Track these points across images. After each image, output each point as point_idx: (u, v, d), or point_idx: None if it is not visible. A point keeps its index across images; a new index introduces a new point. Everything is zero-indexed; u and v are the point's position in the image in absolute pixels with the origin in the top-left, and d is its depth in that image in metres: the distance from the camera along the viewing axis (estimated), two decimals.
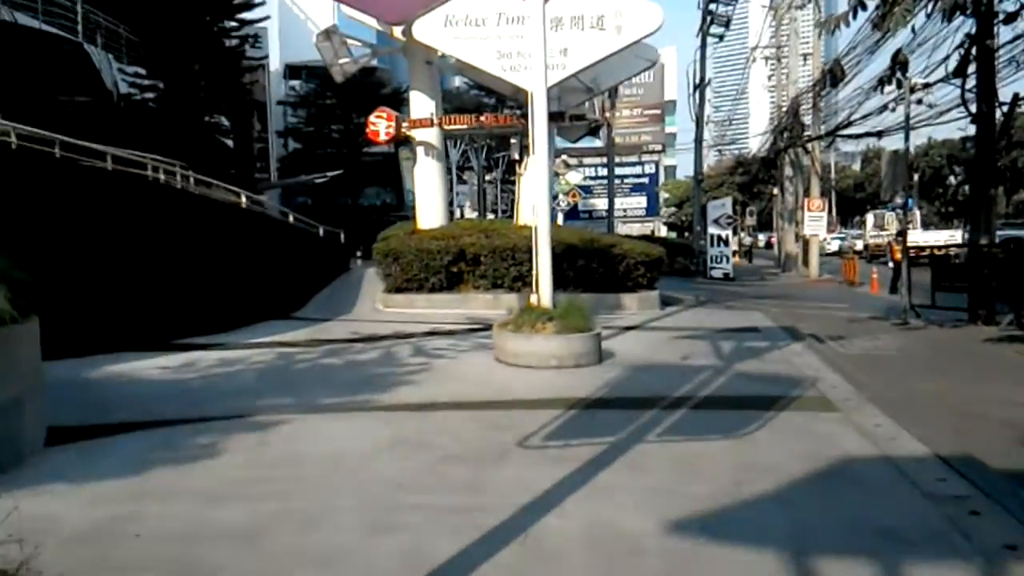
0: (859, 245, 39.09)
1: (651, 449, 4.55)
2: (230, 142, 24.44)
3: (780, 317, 12.60)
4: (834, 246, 41.17)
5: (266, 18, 24.89)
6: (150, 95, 19.26)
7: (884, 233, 36.95)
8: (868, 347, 9.71)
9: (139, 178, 9.56)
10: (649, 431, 4.96)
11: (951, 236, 32.26)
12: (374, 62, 40.91)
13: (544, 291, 7.99)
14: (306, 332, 10.03)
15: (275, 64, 43.11)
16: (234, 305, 10.46)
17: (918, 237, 22.69)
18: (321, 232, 16.54)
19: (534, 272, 8.10)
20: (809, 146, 26.11)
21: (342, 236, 19.92)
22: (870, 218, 41.35)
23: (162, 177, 9.79)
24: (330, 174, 31.73)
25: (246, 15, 24.03)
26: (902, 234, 13.71)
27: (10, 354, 3.98)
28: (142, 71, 19.23)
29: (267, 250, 12.48)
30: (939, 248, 16.54)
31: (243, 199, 11.83)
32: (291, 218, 15.96)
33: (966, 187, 52.34)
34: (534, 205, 8.32)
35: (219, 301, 10.10)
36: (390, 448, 4.47)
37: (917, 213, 37.77)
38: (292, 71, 43.16)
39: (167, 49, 19.35)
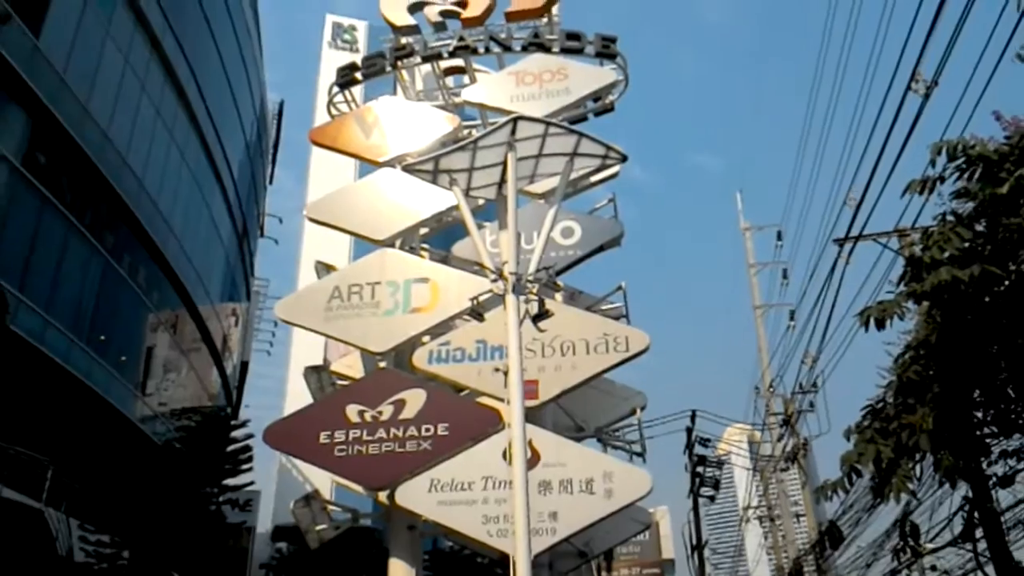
0: None
1: None
2: None
3: None
4: None
5: (251, 484, 25.33)
6: (108, 564, 18.10)
7: None
8: None
9: None
10: None
11: None
12: (367, 521, 40.52)
13: None
14: None
15: (265, 526, 42.58)
16: None
17: None
18: None
19: None
20: None
21: None
22: None
23: None
24: None
25: (231, 480, 24.45)
26: None
27: None
28: (106, 538, 18.43)
29: None
30: None
31: None
32: None
33: None
34: None
35: None
36: None
37: None
38: (281, 533, 42.29)
39: (143, 514, 19.01)
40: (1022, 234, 6.86)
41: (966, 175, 7.41)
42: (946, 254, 7.21)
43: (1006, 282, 7.17)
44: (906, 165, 8.40)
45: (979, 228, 7.51)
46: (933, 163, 7.59)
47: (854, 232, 11.22)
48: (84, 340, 18.63)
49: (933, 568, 13.71)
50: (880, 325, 7.90)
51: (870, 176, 8.97)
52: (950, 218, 7.61)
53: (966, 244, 7.35)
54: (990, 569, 11.14)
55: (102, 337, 19.87)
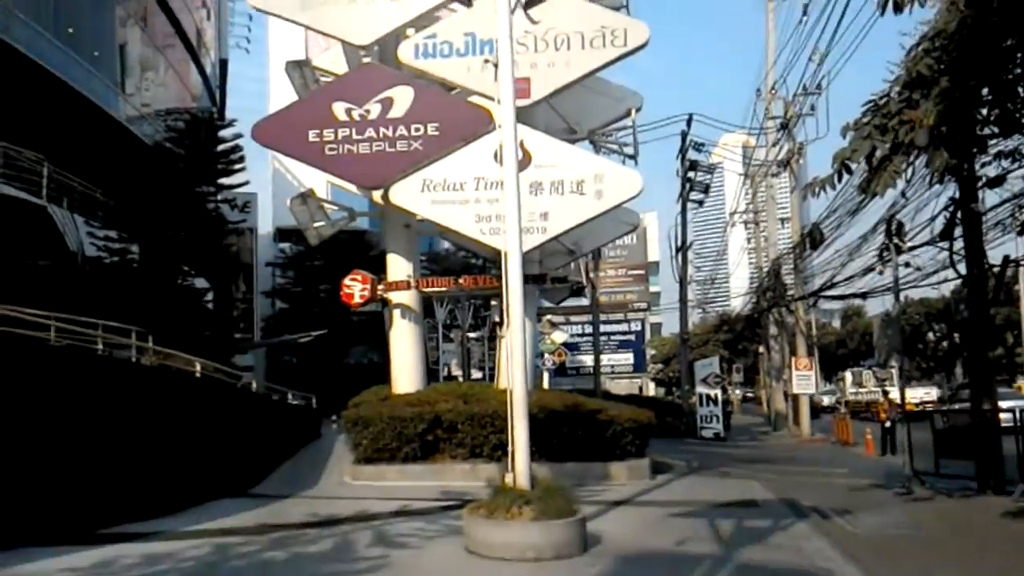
0: (833, 401, 39.41)
1: None
2: (210, 304, 24.18)
3: (778, 487, 11.69)
4: (827, 400, 41.00)
5: (246, 183, 25.70)
6: (119, 258, 19.07)
7: (863, 390, 37.14)
8: (877, 525, 8.79)
9: (78, 350, 8.91)
10: None
11: (926, 393, 32.17)
12: (365, 224, 42.01)
13: (521, 468, 7.19)
14: (257, 515, 8.96)
15: (267, 227, 44.49)
16: (181, 484, 9.45)
17: (896, 395, 22.73)
18: (290, 397, 15.78)
19: (510, 447, 7.35)
20: (793, 306, 26.25)
21: (313, 401, 19.07)
22: (848, 376, 41.76)
23: (100, 347, 9.15)
24: (314, 333, 31.52)
25: (225, 180, 24.79)
26: (886, 394, 13.35)
27: None
28: (114, 234, 19.16)
29: (223, 421, 11.60)
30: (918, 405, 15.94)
31: (197, 368, 11.15)
32: (253, 383, 15.20)
33: (944, 343, 53.09)
34: (511, 375, 7.74)
35: (163, 480, 9.11)
36: None
37: (893, 371, 37.89)
38: (283, 234, 44.41)
39: (142, 213, 19.51)
40: None
41: None
42: None
43: None
44: None
45: None
46: None
47: None
48: (51, 32, 17.62)
49: (907, 265, 14.59)
50: (899, 8, 7.23)
51: None
52: None
53: None
54: (961, 267, 11.83)
55: (70, 30, 18.77)
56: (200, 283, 22.89)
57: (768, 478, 12.77)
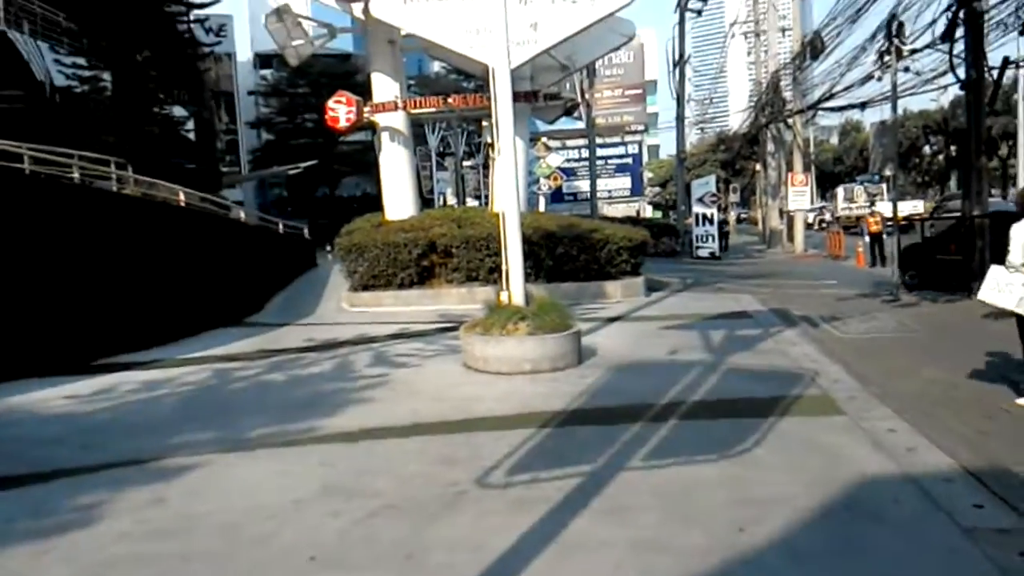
0: (830, 217, 39.69)
1: (635, 480, 3.82)
2: (192, 135, 23.36)
3: (770, 299, 11.98)
4: (825, 217, 41.38)
5: (217, 1, 23.74)
6: (90, 87, 18.07)
7: (854, 206, 37.43)
8: (864, 330, 9.12)
9: (55, 180, 8.59)
10: (633, 453, 4.23)
11: (914, 207, 32.30)
12: (350, 47, 39.48)
13: (515, 287, 7.22)
14: (255, 341, 9.15)
15: (246, 54, 41.98)
16: (175, 314, 9.54)
17: (886, 209, 22.79)
18: (280, 228, 15.67)
19: (504, 266, 7.32)
20: (791, 121, 25.49)
21: (306, 231, 19.00)
22: (840, 191, 41.79)
23: (76, 176, 8.81)
24: (304, 165, 30.83)
25: None
26: (873, 205, 13.37)
27: None
28: (82, 62, 18.00)
29: (215, 251, 11.53)
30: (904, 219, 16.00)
31: (181, 197, 10.86)
32: (242, 215, 15.01)
33: (940, 156, 52.42)
34: (504, 194, 7.53)
35: (156, 311, 9.17)
36: (316, 499, 3.69)
37: (884, 185, 37.97)
38: (262, 61, 42.01)
39: (110, 36, 18.14)
40: None
41: None
42: None
43: None
44: None
45: None
46: None
47: None
48: None
49: (906, 70, 13.92)
50: None
51: None
52: None
53: None
54: (961, 72, 11.36)
55: None
56: (179, 112, 21.93)
57: (761, 292, 13.05)
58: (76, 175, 8.71)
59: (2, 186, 7.43)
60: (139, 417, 5.60)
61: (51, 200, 8.00)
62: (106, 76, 18.69)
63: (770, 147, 28.40)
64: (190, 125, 23.15)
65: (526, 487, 3.76)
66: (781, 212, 27.67)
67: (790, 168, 25.92)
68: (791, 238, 26.40)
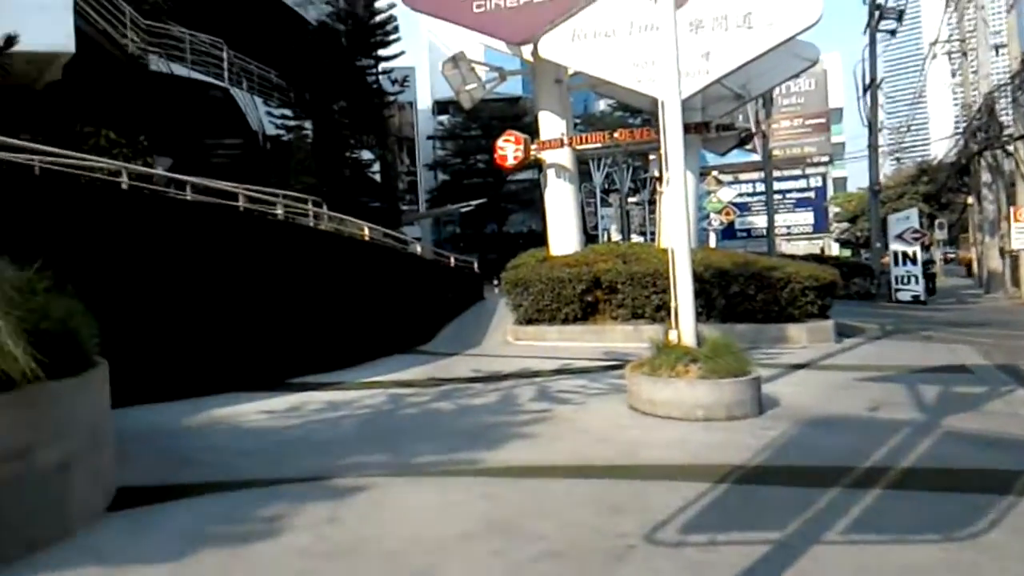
0: None
1: (834, 556, 3.26)
2: (377, 177, 25.36)
3: (993, 352, 10.27)
4: None
5: (401, 53, 26.01)
6: (294, 135, 20.26)
7: None
8: None
9: (263, 216, 9.58)
10: (830, 524, 3.64)
11: None
12: (519, 91, 41.24)
13: (685, 326, 6.75)
14: (427, 369, 9.45)
15: (426, 102, 45.26)
16: (356, 339, 10.20)
17: None
18: (452, 262, 16.31)
19: (672, 304, 6.89)
20: (1011, 147, 22.40)
21: (476, 265, 19.69)
22: None
23: (280, 213, 9.73)
24: (475, 203, 32.32)
25: (383, 52, 25.16)
26: None
27: (53, 414, 3.52)
28: (289, 112, 20.29)
29: (393, 282, 12.22)
30: None
31: (366, 232, 11.63)
32: (419, 249, 15.83)
33: None
34: (671, 225, 7.14)
35: (340, 335, 9.86)
36: (478, 535, 3.53)
37: None
38: (440, 107, 45.05)
39: (312, 90, 20.33)
40: None
41: None
42: None
43: None
44: None
45: None
46: None
47: None
48: None
49: None
50: None
51: None
52: None
53: None
54: None
55: None
56: (367, 156, 23.98)
57: (981, 343, 11.27)
58: (280, 212, 9.61)
59: (222, 222, 8.39)
60: (323, 434, 5.88)
61: (259, 234, 8.93)
62: (308, 124, 20.95)
63: (985, 177, 25.11)
64: (376, 167, 25.21)
65: (702, 549, 3.33)
66: (1002, 251, 24.20)
67: (1012, 201, 22.68)
68: (1016, 282, 22.95)
